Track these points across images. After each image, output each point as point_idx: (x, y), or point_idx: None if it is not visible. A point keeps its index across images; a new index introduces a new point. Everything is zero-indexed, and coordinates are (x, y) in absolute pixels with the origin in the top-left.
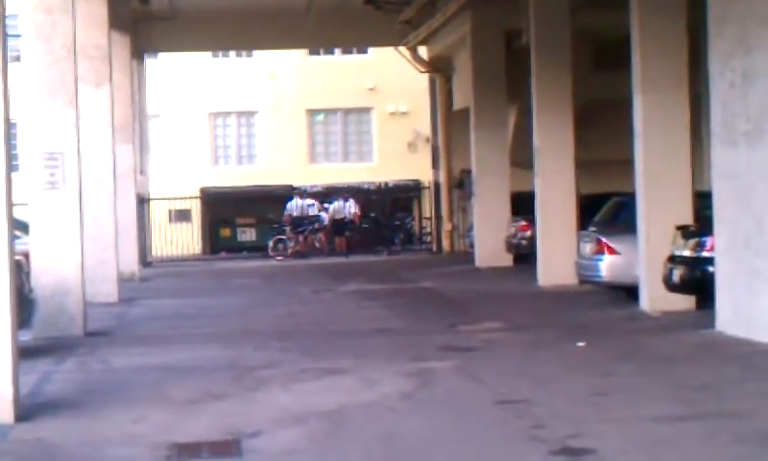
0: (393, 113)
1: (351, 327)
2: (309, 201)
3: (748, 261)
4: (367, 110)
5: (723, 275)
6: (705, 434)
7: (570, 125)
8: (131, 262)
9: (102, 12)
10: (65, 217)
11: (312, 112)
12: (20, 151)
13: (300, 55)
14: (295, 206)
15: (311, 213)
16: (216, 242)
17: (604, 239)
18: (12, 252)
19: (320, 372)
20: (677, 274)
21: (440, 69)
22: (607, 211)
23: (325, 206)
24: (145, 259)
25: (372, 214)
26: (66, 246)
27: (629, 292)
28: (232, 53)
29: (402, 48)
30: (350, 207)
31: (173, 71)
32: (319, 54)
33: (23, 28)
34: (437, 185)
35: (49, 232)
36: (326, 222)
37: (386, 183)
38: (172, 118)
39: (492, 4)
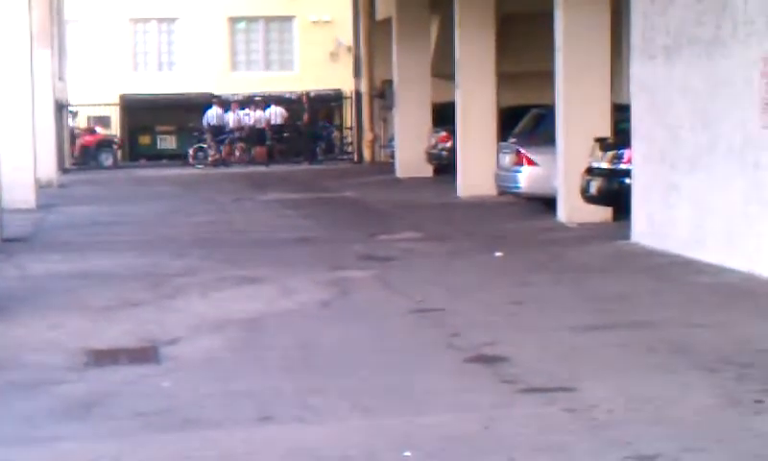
0: (315, 22)
1: (271, 235)
2: (246, 110)
3: (663, 174)
4: (289, 19)
5: (639, 187)
6: (618, 343)
7: (492, 37)
8: (48, 169)
9: None
10: None
11: (234, 20)
12: None
13: None
14: (214, 115)
15: (248, 123)
16: (135, 149)
17: (523, 151)
18: None
19: (239, 280)
20: (594, 186)
21: None
22: (526, 123)
23: (246, 113)
24: (63, 166)
25: (297, 122)
26: None
27: (547, 203)
28: None
29: None
30: (278, 113)
31: None
32: None
33: None
34: (358, 95)
35: None
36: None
37: (308, 93)
38: (91, 23)
39: None
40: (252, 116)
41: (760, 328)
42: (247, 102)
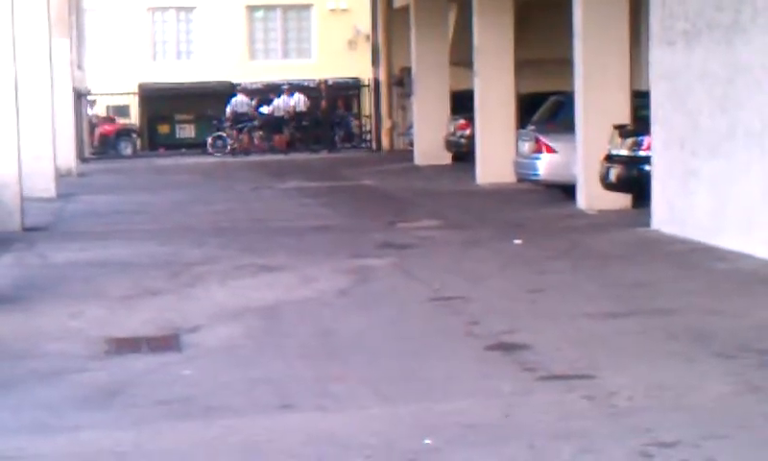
0: (333, 10)
1: (290, 224)
2: (248, 100)
3: (683, 161)
4: (307, 7)
5: (659, 174)
6: (638, 331)
7: (510, 24)
8: (68, 158)
9: None
10: (0, 112)
11: (252, 9)
12: None
13: None
14: (238, 102)
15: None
16: (154, 138)
17: (542, 138)
18: None
19: (258, 268)
20: (614, 173)
21: None
22: (545, 110)
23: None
24: (82, 155)
25: (316, 111)
26: (2, 141)
27: (566, 191)
28: None
29: None
30: (302, 100)
31: None
32: None
33: None
34: (376, 83)
35: None
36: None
37: (326, 81)
38: (109, 12)
39: None
40: (274, 104)
41: None
42: (267, 89)
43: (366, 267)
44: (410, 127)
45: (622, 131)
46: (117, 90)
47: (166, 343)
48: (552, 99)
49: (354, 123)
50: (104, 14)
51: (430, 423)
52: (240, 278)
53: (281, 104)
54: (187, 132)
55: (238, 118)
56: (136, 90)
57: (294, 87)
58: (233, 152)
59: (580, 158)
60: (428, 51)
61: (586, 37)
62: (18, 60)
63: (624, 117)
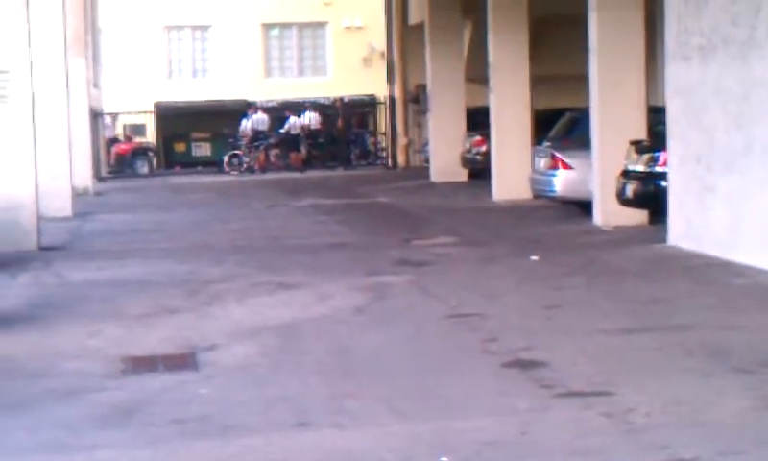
0: (348, 28)
1: (306, 241)
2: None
3: (700, 176)
4: (322, 25)
5: (675, 189)
6: (655, 347)
7: (526, 40)
8: (84, 177)
9: None
10: (17, 131)
11: (267, 27)
12: None
13: None
14: (257, 120)
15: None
16: (170, 157)
17: (558, 154)
18: None
19: (274, 286)
20: (630, 188)
21: None
22: (561, 127)
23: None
24: (99, 174)
25: (332, 128)
26: (19, 160)
27: (582, 207)
28: None
29: None
30: (313, 119)
31: None
32: None
33: None
34: (392, 100)
35: (1, 147)
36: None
37: (341, 98)
38: (125, 31)
39: None
40: (290, 122)
41: None
42: (282, 107)
43: (382, 284)
44: (426, 144)
45: (638, 146)
46: (133, 109)
47: (183, 362)
48: (568, 115)
49: (370, 140)
50: (120, 34)
51: (447, 440)
52: (257, 295)
53: (297, 121)
54: (203, 150)
55: (256, 136)
56: (152, 109)
57: (309, 105)
58: (250, 170)
59: (596, 174)
60: (443, 67)
61: (601, 53)
62: (35, 80)
63: (640, 133)
